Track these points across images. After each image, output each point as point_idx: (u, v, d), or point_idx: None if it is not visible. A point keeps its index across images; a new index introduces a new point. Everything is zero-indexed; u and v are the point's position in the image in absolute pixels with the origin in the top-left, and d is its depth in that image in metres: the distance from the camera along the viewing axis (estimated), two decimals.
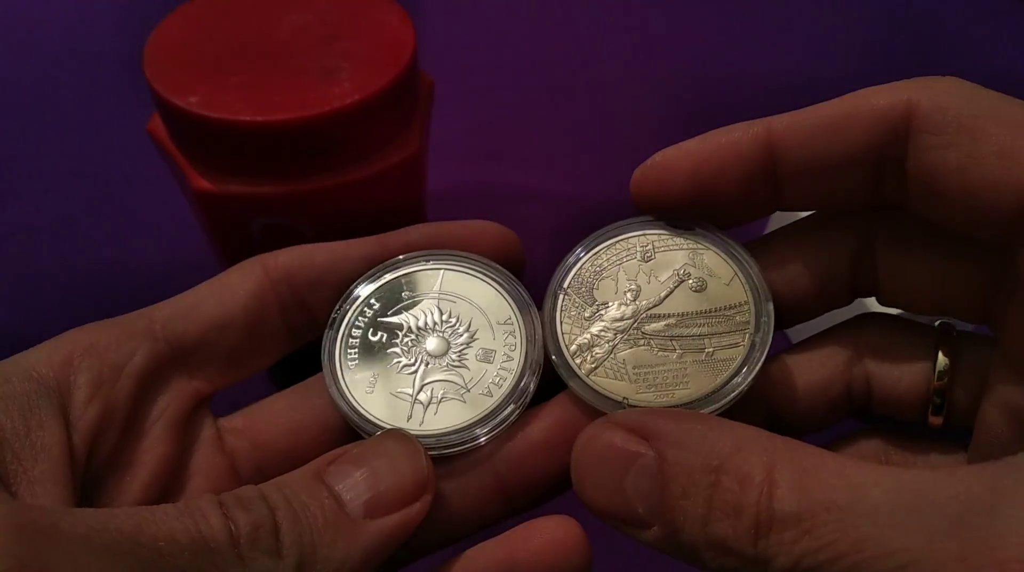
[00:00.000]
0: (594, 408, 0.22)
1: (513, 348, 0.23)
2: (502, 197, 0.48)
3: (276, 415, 0.24)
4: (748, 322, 0.22)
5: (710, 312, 0.23)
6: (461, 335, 0.23)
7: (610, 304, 0.23)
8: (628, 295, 0.23)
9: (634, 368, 0.22)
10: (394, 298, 0.24)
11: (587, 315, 0.23)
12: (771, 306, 0.23)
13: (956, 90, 0.19)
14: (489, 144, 0.52)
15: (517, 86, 0.56)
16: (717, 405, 0.22)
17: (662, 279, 0.23)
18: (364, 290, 0.24)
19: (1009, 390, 0.21)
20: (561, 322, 0.23)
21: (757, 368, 0.22)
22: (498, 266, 0.25)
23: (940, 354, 0.23)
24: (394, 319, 0.24)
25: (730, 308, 0.23)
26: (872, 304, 0.25)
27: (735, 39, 0.60)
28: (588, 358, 0.22)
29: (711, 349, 0.22)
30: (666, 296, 0.23)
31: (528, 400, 0.23)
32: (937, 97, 0.19)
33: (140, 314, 0.22)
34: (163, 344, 0.22)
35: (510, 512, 0.23)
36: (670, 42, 0.60)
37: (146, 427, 0.22)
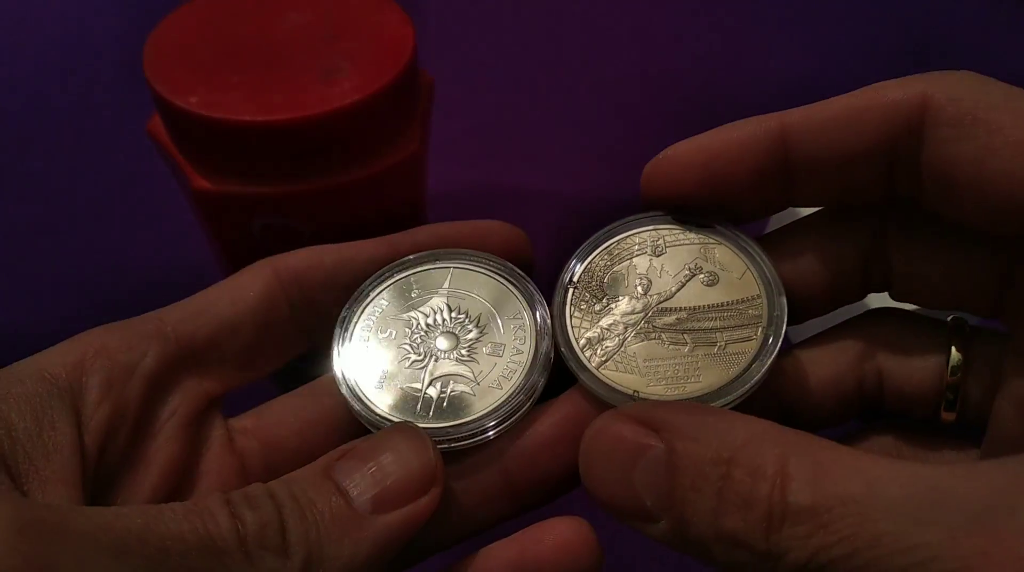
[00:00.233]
0: (604, 403, 0.22)
1: (523, 342, 0.23)
2: (502, 197, 0.48)
3: (286, 414, 0.24)
4: (761, 316, 0.22)
5: (722, 306, 0.23)
6: (470, 330, 0.23)
7: (620, 298, 0.23)
8: (639, 289, 0.23)
9: (644, 361, 0.22)
10: (404, 296, 0.24)
11: (597, 309, 0.23)
12: (784, 300, 0.22)
13: (970, 83, 0.19)
14: (489, 144, 0.52)
15: (517, 86, 0.56)
16: (729, 399, 0.21)
17: (673, 273, 0.23)
18: (374, 289, 0.24)
19: (1023, 385, 0.20)
20: (571, 316, 0.23)
21: (769, 362, 0.22)
22: (507, 262, 0.25)
23: (953, 349, 0.23)
24: (404, 316, 0.24)
25: (742, 302, 0.23)
26: (884, 299, 0.25)
27: (736, 39, 0.60)
28: (598, 351, 0.22)
29: (723, 343, 0.22)
30: (677, 290, 0.23)
31: (538, 394, 0.23)
32: (951, 90, 0.19)
33: (151, 316, 0.22)
34: (174, 345, 0.22)
35: (519, 509, 0.23)
36: (671, 41, 0.60)
37: (157, 428, 0.22)
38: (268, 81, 0.29)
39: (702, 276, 0.23)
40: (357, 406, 0.22)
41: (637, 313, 0.23)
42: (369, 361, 0.23)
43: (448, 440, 0.22)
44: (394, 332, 0.23)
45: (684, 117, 0.53)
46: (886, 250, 0.23)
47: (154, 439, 0.21)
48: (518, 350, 0.23)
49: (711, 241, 0.23)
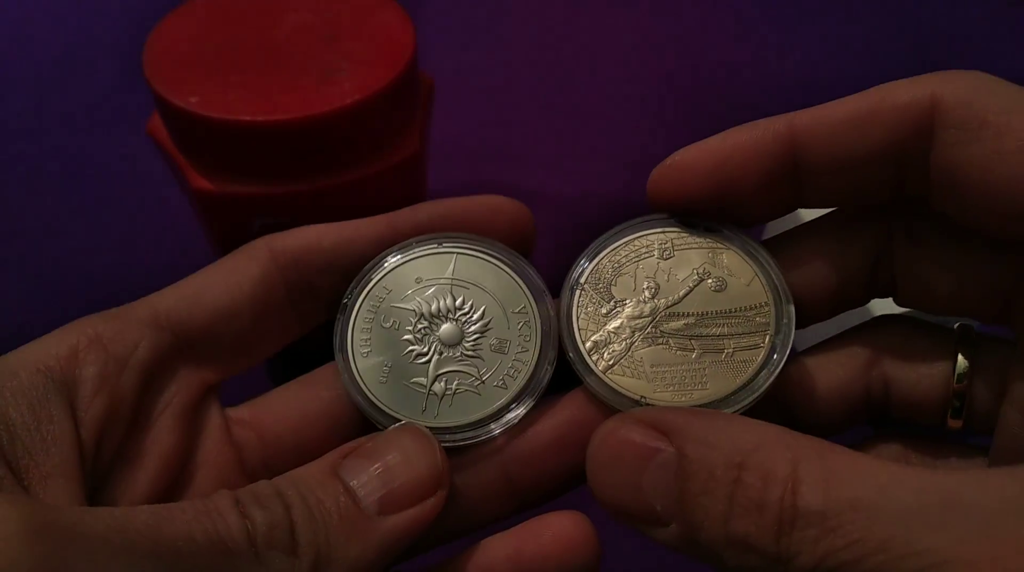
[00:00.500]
0: (609, 406, 0.22)
1: (528, 338, 0.23)
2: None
3: (283, 406, 0.24)
4: (768, 324, 0.22)
5: (730, 312, 0.22)
6: (475, 323, 0.23)
7: (628, 301, 0.23)
8: (646, 293, 0.23)
9: (652, 366, 0.22)
10: (406, 283, 0.23)
11: (604, 312, 0.23)
12: (792, 308, 0.22)
13: (980, 84, 0.19)
14: (489, 144, 0.52)
15: (517, 86, 0.56)
16: (735, 407, 0.21)
17: (681, 277, 0.23)
18: (376, 274, 0.23)
19: None
20: (577, 318, 0.23)
21: (777, 371, 0.22)
22: (512, 251, 0.24)
23: (960, 356, 0.23)
24: (407, 305, 0.23)
25: (750, 309, 0.22)
26: (888, 305, 0.24)
27: (736, 39, 0.60)
28: (605, 355, 0.22)
29: (730, 350, 0.22)
30: (685, 295, 0.23)
31: (543, 392, 0.22)
32: (961, 91, 0.19)
33: (144, 302, 0.22)
34: (168, 334, 0.22)
35: (517, 508, 0.23)
36: (671, 42, 0.60)
37: (153, 419, 0.21)
38: (268, 81, 0.29)
39: (711, 281, 0.23)
40: (361, 401, 0.22)
41: (645, 317, 0.23)
42: (372, 353, 0.23)
43: (453, 439, 0.22)
44: (397, 321, 0.23)
45: (685, 117, 0.53)
46: (891, 255, 0.23)
47: (150, 431, 0.21)
48: (523, 348, 0.23)
49: (720, 246, 0.23)
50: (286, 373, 0.25)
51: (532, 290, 0.24)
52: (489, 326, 0.23)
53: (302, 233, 0.24)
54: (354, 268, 0.24)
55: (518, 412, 0.22)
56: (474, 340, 0.23)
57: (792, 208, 0.23)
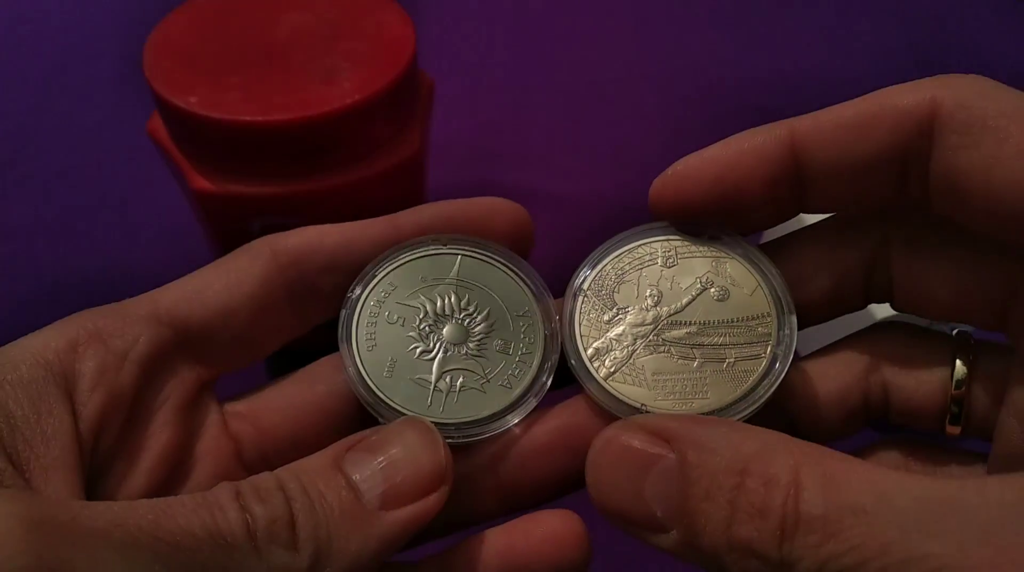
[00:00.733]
0: (609, 413, 0.22)
1: (532, 341, 0.23)
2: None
3: (280, 400, 0.24)
4: (770, 334, 0.22)
5: (732, 322, 0.23)
6: (480, 324, 0.23)
7: (630, 308, 0.23)
8: (649, 300, 0.23)
9: (653, 374, 0.22)
10: (411, 280, 0.24)
11: (606, 319, 0.23)
12: (794, 319, 0.22)
13: (980, 88, 0.19)
14: (489, 144, 0.52)
15: (517, 86, 0.56)
16: (736, 417, 0.21)
17: (684, 286, 0.23)
18: (381, 270, 0.23)
19: None
20: (579, 324, 0.23)
21: (778, 382, 0.22)
22: (515, 254, 0.24)
23: (958, 362, 0.23)
24: (412, 302, 0.23)
25: (752, 319, 0.23)
26: (886, 311, 0.24)
27: (736, 40, 0.60)
28: (606, 362, 0.22)
29: (732, 359, 0.22)
30: (688, 303, 0.23)
31: (545, 394, 0.23)
32: (961, 96, 0.19)
33: (144, 298, 0.22)
34: (168, 329, 0.22)
35: (507, 510, 0.23)
36: (671, 42, 0.60)
37: (151, 413, 0.21)
38: (268, 81, 0.29)
39: (714, 290, 0.23)
40: (365, 394, 0.22)
41: (647, 325, 0.23)
42: (377, 348, 0.23)
43: (457, 435, 0.22)
44: (402, 318, 0.23)
45: (685, 118, 0.53)
46: (888, 260, 0.23)
47: (149, 425, 0.21)
48: (527, 350, 0.23)
49: (723, 255, 0.23)
50: (284, 371, 0.25)
51: (536, 294, 0.24)
52: (494, 327, 0.23)
53: (304, 233, 0.24)
54: (355, 268, 0.24)
55: (523, 410, 0.22)
56: (479, 340, 0.23)
57: (794, 214, 0.23)
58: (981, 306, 0.22)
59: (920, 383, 0.23)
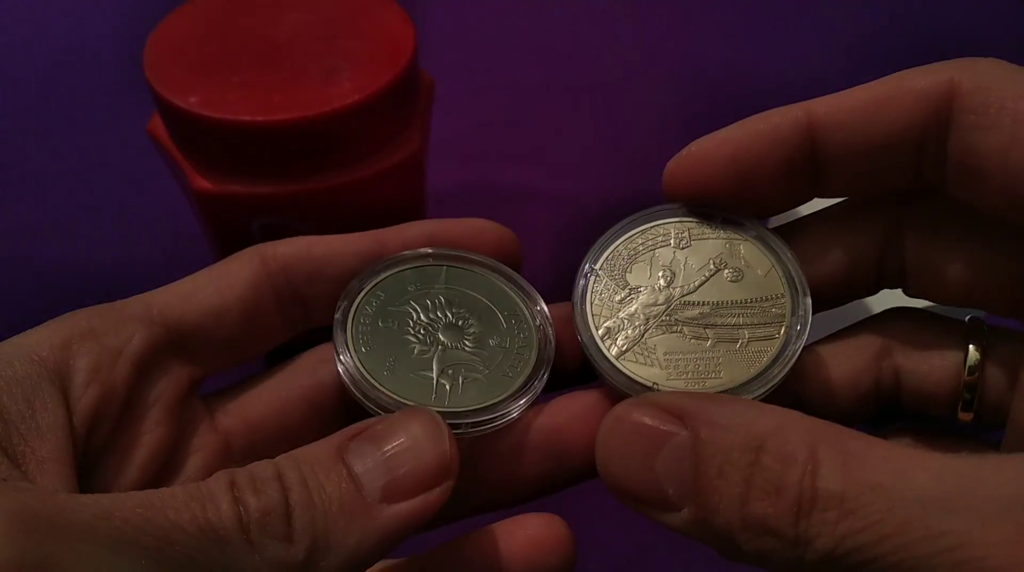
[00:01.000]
0: (619, 392, 0.22)
1: (528, 333, 0.23)
2: (502, 197, 0.48)
3: (265, 394, 0.24)
4: (784, 315, 0.22)
5: (746, 302, 0.22)
6: (472, 324, 0.23)
7: (643, 288, 0.23)
8: (662, 281, 0.23)
9: (665, 354, 0.22)
10: (400, 290, 0.24)
11: (618, 298, 0.23)
12: (809, 301, 0.22)
13: (998, 71, 0.19)
14: (489, 144, 0.52)
15: (517, 86, 0.56)
16: (749, 397, 0.21)
17: (697, 267, 0.23)
18: (368, 282, 0.24)
19: None
20: (591, 303, 0.23)
21: (792, 362, 0.22)
22: (499, 262, 0.25)
23: (971, 348, 0.22)
24: (402, 308, 0.24)
25: (766, 300, 0.22)
26: (897, 298, 0.24)
27: (736, 38, 0.60)
28: (618, 341, 0.22)
29: (745, 340, 0.22)
30: (701, 284, 0.23)
31: (545, 382, 0.23)
32: (979, 78, 0.19)
33: (138, 299, 0.22)
34: (161, 329, 0.22)
35: (488, 508, 0.23)
36: (671, 41, 0.60)
37: (144, 410, 0.22)
38: (268, 81, 0.29)
39: (727, 272, 0.23)
40: (368, 391, 0.22)
41: (659, 305, 0.23)
42: (374, 351, 0.23)
43: (467, 427, 0.21)
44: (396, 322, 0.23)
45: (686, 117, 0.53)
46: (901, 245, 0.23)
47: (142, 422, 0.21)
48: (524, 344, 0.23)
49: (737, 237, 0.23)
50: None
51: (525, 295, 0.24)
52: (487, 326, 0.23)
53: (293, 242, 0.24)
54: (340, 280, 0.24)
55: (530, 396, 0.22)
56: (474, 337, 0.23)
57: (809, 197, 0.23)
58: (994, 292, 0.22)
59: (932, 368, 0.23)
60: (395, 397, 0.22)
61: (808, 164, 0.22)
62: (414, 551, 0.23)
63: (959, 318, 0.24)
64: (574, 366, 0.24)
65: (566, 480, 0.23)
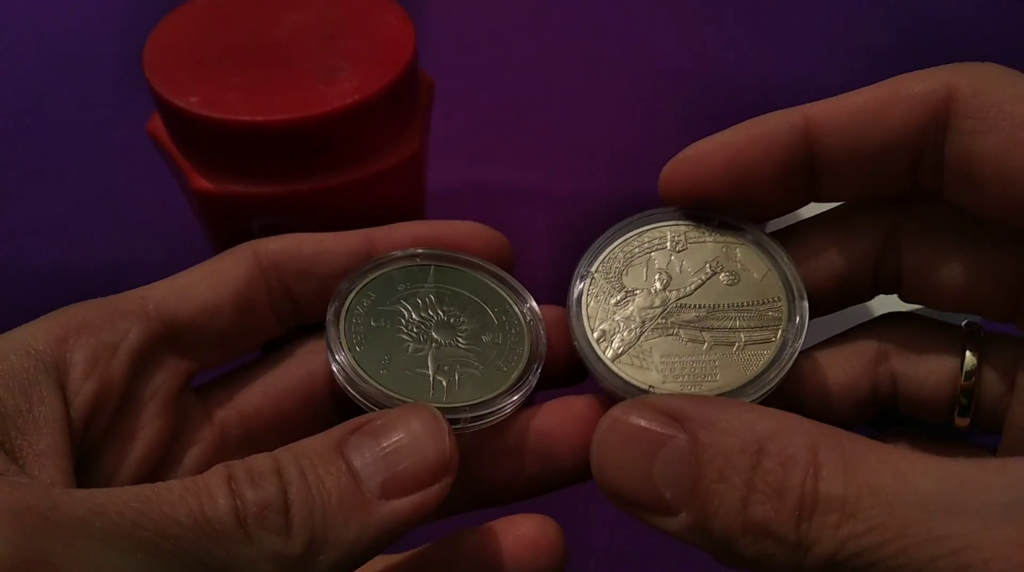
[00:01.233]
0: (614, 396, 0.22)
1: (520, 328, 0.23)
2: (502, 197, 0.48)
3: (258, 385, 0.24)
4: (780, 319, 0.22)
5: (742, 306, 0.22)
6: (464, 321, 0.24)
7: (638, 291, 0.23)
8: (658, 284, 0.23)
9: (661, 357, 0.22)
10: (389, 290, 0.24)
11: (614, 301, 0.23)
12: (805, 304, 0.22)
13: (995, 75, 0.19)
14: (489, 144, 0.52)
15: (517, 86, 0.56)
16: (745, 400, 0.21)
17: (693, 270, 0.23)
18: (358, 283, 0.24)
19: None
20: (586, 306, 0.23)
21: (788, 366, 0.21)
22: (487, 262, 0.25)
23: (968, 353, 0.22)
24: (393, 307, 0.24)
25: (762, 303, 0.22)
26: (893, 303, 0.24)
27: (736, 39, 0.60)
28: (613, 343, 0.22)
29: (741, 343, 0.22)
30: (697, 287, 0.23)
31: (538, 377, 0.23)
32: (976, 82, 0.19)
33: (133, 294, 0.22)
34: (157, 323, 0.22)
35: (479, 506, 0.23)
36: (671, 42, 0.60)
37: (141, 404, 0.22)
38: (268, 81, 0.29)
39: (723, 275, 0.23)
40: (365, 388, 0.22)
41: (655, 308, 0.23)
42: (368, 349, 0.23)
43: (466, 422, 0.21)
44: (388, 321, 0.23)
45: (686, 117, 0.53)
46: (898, 250, 0.23)
47: (139, 416, 0.21)
48: (516, 339, 0.23)
49: (733, 240, 0.23)
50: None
51: (514, 293, 0.24)
52: (478, 322, 0.24)
53: (284, 239, 0.24)
54: (329, 277, 0.24)
55: (526, 390, 0.22)
56: (467, 334, 0.23)
57: (805, 202, 0.23)
58: (991, 297, 0.22)
59: (929, 374, 0.23)
60: (393, 394, 0.22)
61: (805, 168, 0.22)
62: (408, 546, 0.23)
63: (956, 323, 0.23)
64: (565, 369, 0.24)
65: (558, 483, 0.23)
